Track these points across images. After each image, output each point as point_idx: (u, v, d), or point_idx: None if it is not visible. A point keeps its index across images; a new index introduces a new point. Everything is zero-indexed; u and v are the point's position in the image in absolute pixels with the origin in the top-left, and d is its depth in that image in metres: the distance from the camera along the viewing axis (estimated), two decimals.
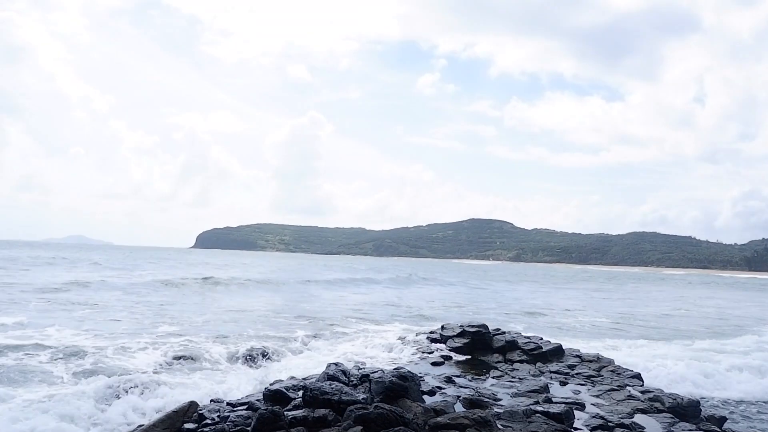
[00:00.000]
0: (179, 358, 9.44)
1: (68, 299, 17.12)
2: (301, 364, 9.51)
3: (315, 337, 12.20)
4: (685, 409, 7.22)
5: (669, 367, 10.71)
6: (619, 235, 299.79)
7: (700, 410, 7.48)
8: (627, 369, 9.32)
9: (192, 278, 27.53)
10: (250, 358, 9.84)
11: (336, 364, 7.51)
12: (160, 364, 9.05)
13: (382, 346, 11.24)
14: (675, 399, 7.47)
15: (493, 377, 8.92)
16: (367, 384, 6.73)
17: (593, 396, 7.84)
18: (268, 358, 9.97)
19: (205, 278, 27.83)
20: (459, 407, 6.70)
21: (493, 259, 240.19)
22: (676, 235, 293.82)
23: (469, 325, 11.24)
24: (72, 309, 14.87)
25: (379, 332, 13.51)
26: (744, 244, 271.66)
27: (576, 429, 6.28)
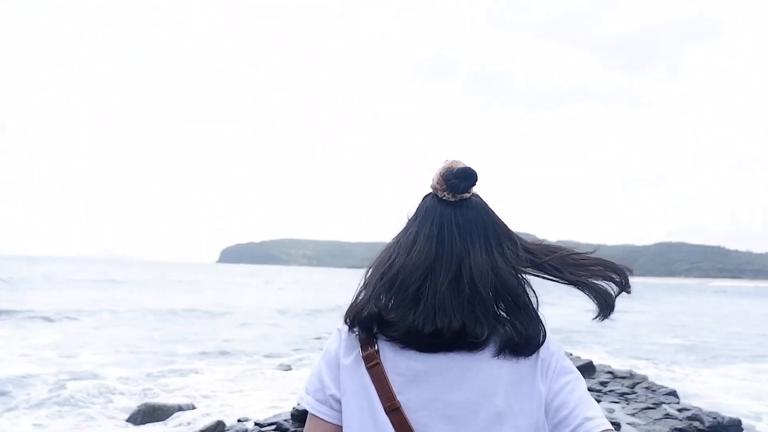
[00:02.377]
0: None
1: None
2: None
3: None
4: (726, 429, 6.94)
5: None
6: (645, 245, 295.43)
7: (742, 429, 7.19)
8: (662, 386, 9.04)
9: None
10: (275, 378, 9.77)
11: None
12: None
13: None
14: (715, 418, 7.18)
15: None
16: None
17: (628, 414, 7.58)
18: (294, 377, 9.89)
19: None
20: None
21: None
22: (704, 245, 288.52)
23: None
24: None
25: None
26: None
27: None
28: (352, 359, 1.10)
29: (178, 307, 22.45)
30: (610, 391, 8.82)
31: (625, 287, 1.17)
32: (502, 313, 1.09)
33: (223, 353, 11.59)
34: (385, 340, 1.08)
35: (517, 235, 1.20)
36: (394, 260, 1.12)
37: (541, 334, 1.10)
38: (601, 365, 10.54)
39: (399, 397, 1.05)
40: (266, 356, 11.46)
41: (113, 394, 8.06)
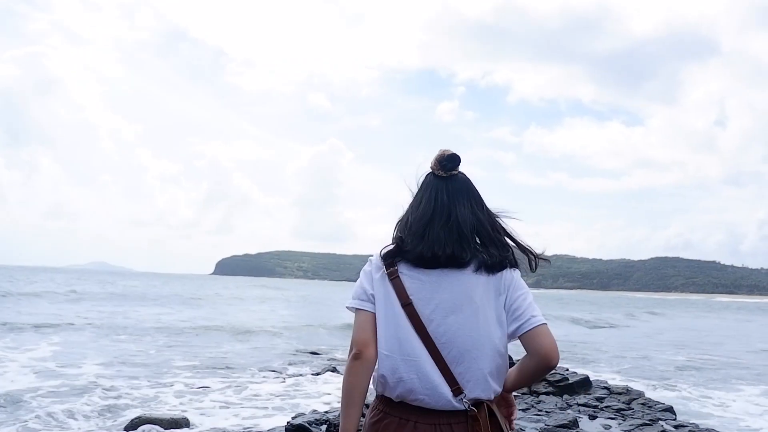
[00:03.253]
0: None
1: None
2: (323, 393, 9.35)
3: (334, 369, 12.03)
4: None
5: None
6: (641, 260, 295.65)
7: None
8: (658, 402, 9.01)
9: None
10: (271, 392, 9.69)
11: None
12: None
13: None
14: None
15: (518, 410, 8.67)
16: None
17: (624, 431, 7.56)
18: (287, 392, 9.81)
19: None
20: None
21: None
22: (700, 260, 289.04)
23: None
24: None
25: None
26: None
27: None
28: (380, 275, 1.73)
29: (174, 319, 22.35)
30: (606, 407, 8.78)
31: (532, 268, 1.81)
32: (479, 246, 1.72)
33: (218, 367, 11.52)
34: (402, 262, 1.71)
35: (484, 201, 1.82)
36: (408, 214, 1.79)
37: (506, 261, 1.72)
38: (597, 380, 10.50)
39: (410, 298, 1.67)
40: (260, 369, 11.39)
41: (110, 406, 8.00)
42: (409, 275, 1.69)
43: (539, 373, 1.70)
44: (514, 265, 1.74)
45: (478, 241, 1.73)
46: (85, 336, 15.34)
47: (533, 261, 1.80)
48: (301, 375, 11.04)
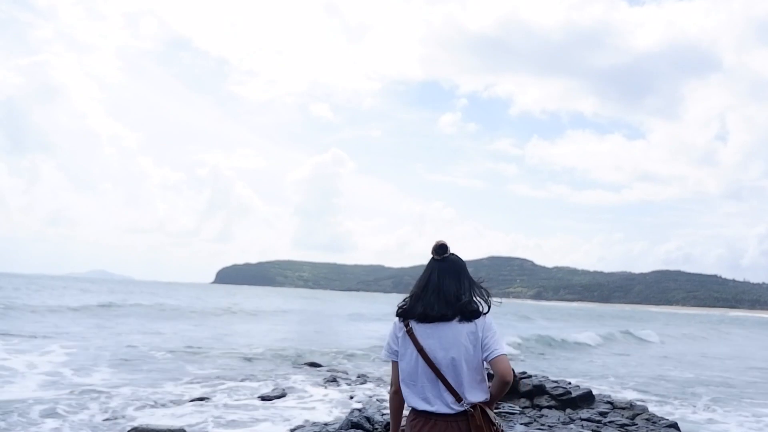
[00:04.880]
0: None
1: None
2: (318, 407, 9.23)
3: (334, 380, 11.90)
4: None
5: None
6: (642, 273, 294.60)
7: None
8: (662, 418, 8.88)
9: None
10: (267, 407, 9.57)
11: (359, 410, 7.25)
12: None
13: None
14: None
15: (521, 423, 8.54)
16: None
17: None
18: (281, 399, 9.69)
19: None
20: None
21: (513, 297, 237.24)
22: (701, 274, 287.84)
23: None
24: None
25: None
26: None
27: None
28: (402, 333, 2.71)
29: (174, 330, 22.25)
30: (609, 422, 8.66)
31: (488, 306, 2.76)
32: (460, 304, 2.67)
33: (216, 379, 11.42)
34: (411, 319, 2.69)
35: (470, 277, 2.80)
36: (414, 286, 2.80)
37: (479, 313, 2.67)
38: (600, 395, 10.38)
39: (421, 344, 2.64)
40: (259, 380, 11.27)
41: (110, 415, 7.91)
42: (416, 328, 2.68)
43: (501, 386, 2.63)
44: (485, 313, 2.70)
45: (462, 301, 2.68)
46: (91, 345, 15.26)
47: (487, 303, 2.75)
48: (301, 387, 10.93)
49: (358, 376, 12.35)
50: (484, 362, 2.65)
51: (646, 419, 8.78)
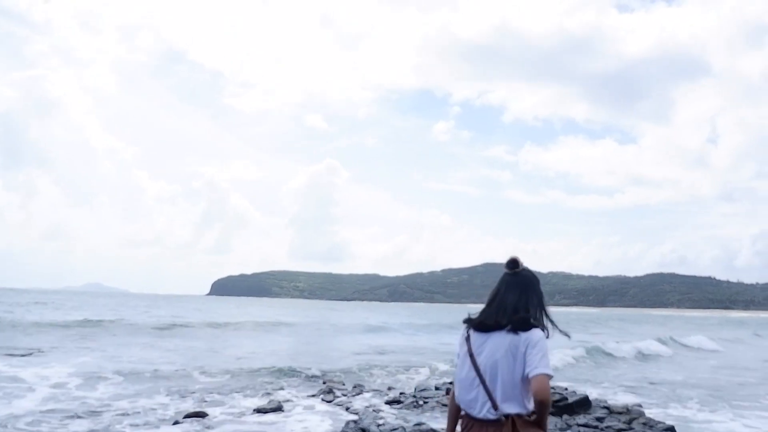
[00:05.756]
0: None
1: None
2: (314, 419, 9.15)
3: (330, 391, 11.82)
4: None
5: None
6: (636, 276, 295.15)
7: None
8: (660, 422, 8.86)
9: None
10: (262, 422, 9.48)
11: (355, 421, 7.19)
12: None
13: (396, 398, 10.82)
14: None
15: None
16: None
17: None
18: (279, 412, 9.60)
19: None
20: None
21: None
22: (695, 276, 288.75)
23: None
24: None
25: (397, 381, 13.12)
26: (766, 283, 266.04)
27: None
28: (462, 339, 2.91)
29: (167, 343, 22.09)
30: (606, 427, 8.63)
31: (547, 335, 2.83)
32: (515, 316, 2.78)
33: (211, 393, 11.32)
34: (470, 328, 2.90)
35: (540, 294, 2.95)
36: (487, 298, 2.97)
37: (528, 326, 2.75)
38: (597, 400, 10.35)
39: (473, 350, 2.83)
40: (251, 396, 11.18)
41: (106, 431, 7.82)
42: (473, 336, 2.88)
43: (537, 405, 2.67)
44: (536, 326, 2.78)
45: (519, 314, 2.79)
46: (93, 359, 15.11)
47: (548, 330, 2.85)
48: (296, 399, 10.84)
49: (354, 387, 12.27)
50: (524, 375, 2.68)
51: (643, 423, 8.76)
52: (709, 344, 29.14)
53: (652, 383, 14.64)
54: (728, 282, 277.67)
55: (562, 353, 18.14)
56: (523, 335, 2.71)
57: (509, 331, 2.73)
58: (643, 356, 22.22)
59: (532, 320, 2.79)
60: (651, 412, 9.98)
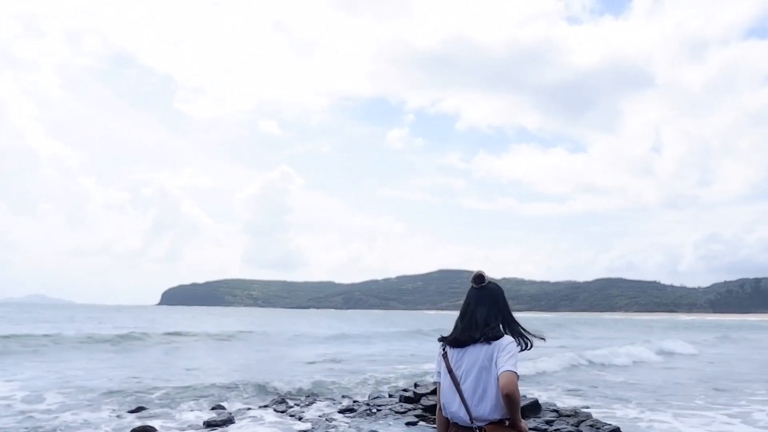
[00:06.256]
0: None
1: None
2: (266, 431, 9.02)
3: (283, 401, 11.68)
4: None
5: None
6: (586, 282, 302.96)
7: None
8: (606, 423, 9.11)
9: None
10: None
11: (307, 431, 7.13)
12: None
13: (349, 406, 10.79)
14: None
15: None
16: None
17: None
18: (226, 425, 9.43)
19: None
20: None
21: None
22: (642, 280, 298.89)
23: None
24: None
25: (350, 390, 13.07)
26: (707, 287, 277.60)
27: None
28: (440, 358, 3.13)
29: (109, 357, 21.44)
30: (555, 430, 8.82)
31: (526, 348, 3.12)
32: (487, 328, 3.00)
33: (159, 407, 11.03)
34: (446, 345, 3.12)
35: (506, 305, 3.17)
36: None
37: (499, 336, 2.99)
38: (546, 404, 10.56)
39: (451, 365, 3.04)
40: (203, 409, 10.95)
41: None
42: (449, 352, 3.08)
43: (504, 399, 2.83)
44: (504, 335, 3.03)
45: (490, 326, 3.01)
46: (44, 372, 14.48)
47: (523, 342, 3.10)
48: (247, 410, 10.68)
49: (307, 396, 12.16)
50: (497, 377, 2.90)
51: (590, 425, 8.98)
52: (688, 348, 29.22)
53: (593, 386, 15.00)
54: (672, 286, 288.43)
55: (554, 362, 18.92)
56: (495, 343, 2.95)
57: (483, 342, 2.96)
58: (634, 363, 21.75)
59: (503, 330, 3.06)
60: (597, 413, 10.25)
